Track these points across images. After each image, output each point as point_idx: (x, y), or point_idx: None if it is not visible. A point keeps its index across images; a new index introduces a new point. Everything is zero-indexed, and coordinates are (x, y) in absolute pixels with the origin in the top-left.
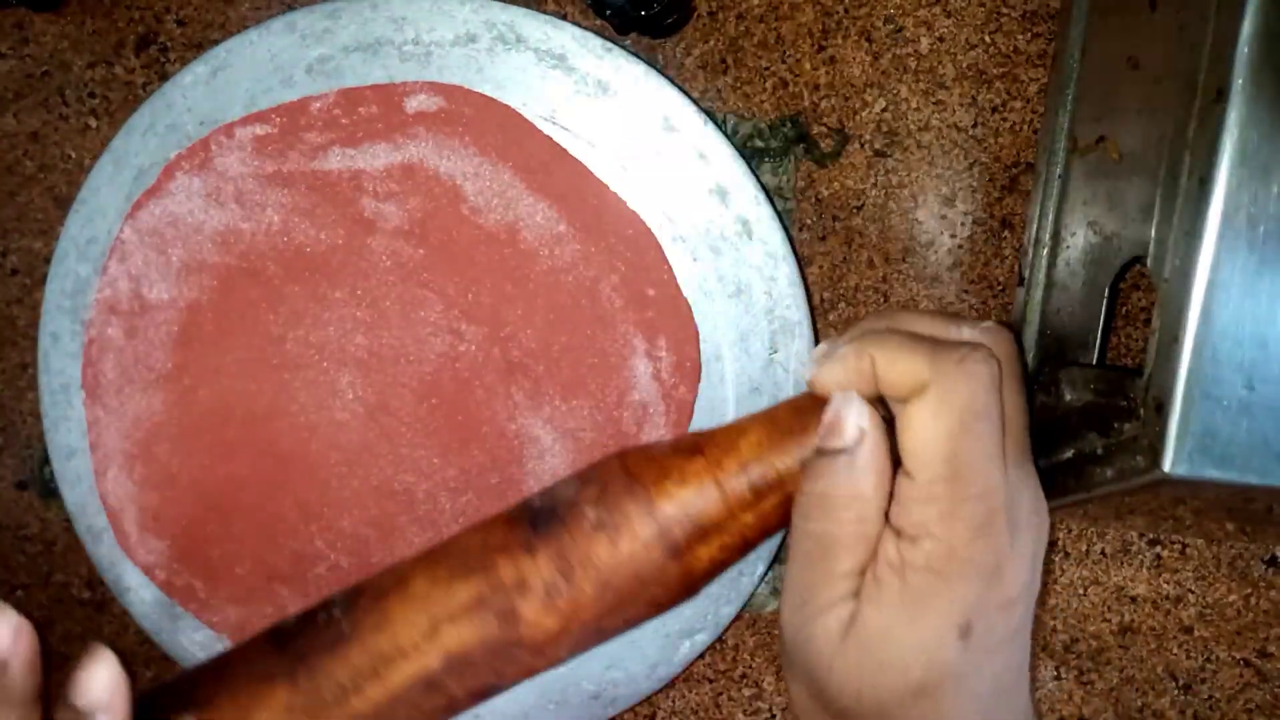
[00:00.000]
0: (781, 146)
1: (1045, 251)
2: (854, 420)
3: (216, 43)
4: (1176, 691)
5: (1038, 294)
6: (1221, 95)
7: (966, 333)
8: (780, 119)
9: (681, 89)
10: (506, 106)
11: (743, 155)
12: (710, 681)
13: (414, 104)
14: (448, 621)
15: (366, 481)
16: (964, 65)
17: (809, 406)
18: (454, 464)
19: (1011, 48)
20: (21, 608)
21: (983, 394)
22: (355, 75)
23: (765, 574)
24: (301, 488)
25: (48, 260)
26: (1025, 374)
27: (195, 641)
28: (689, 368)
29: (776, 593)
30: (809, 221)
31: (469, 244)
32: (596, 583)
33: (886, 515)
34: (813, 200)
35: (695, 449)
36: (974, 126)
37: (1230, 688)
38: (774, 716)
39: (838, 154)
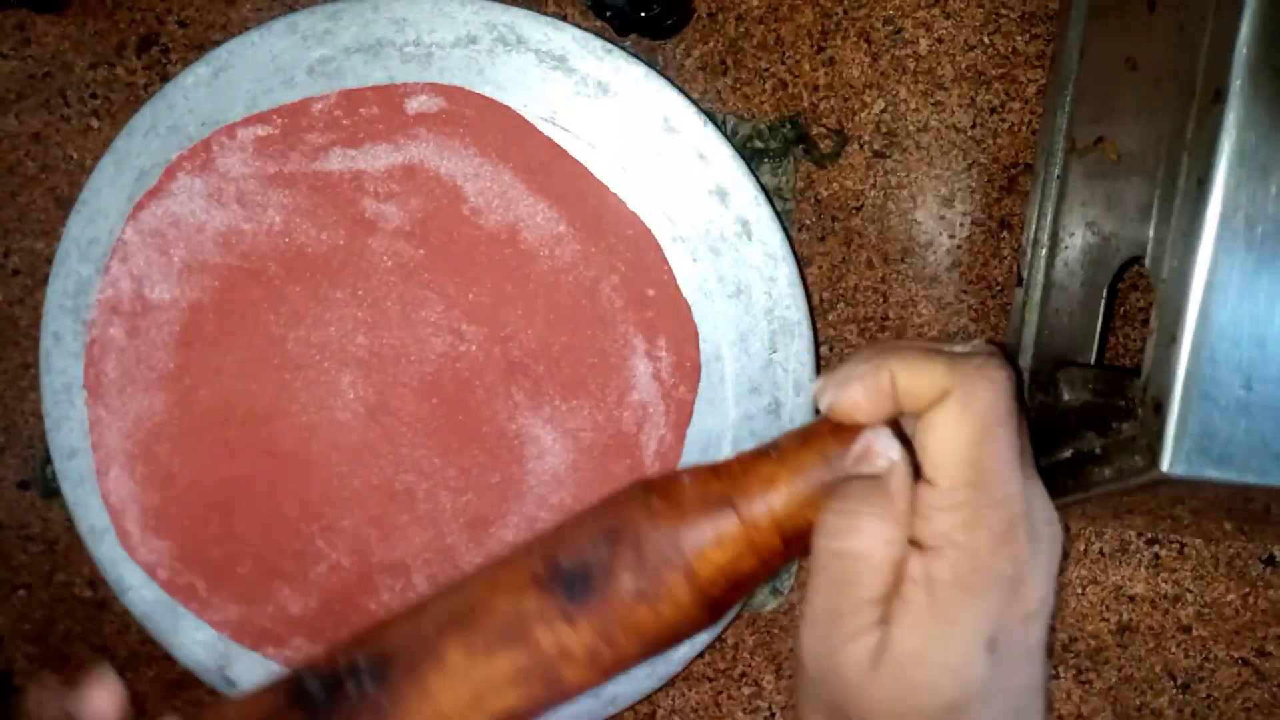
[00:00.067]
0: (781, 147)
1: (1044, 252)
2: (884, 450)
3: (218, 44)
4: (1175, 690)
5: (1036, 294)
6: (1220, 96)
7: (960, 350)
8: (780, 120)
9: (681, 90)
10: (507, 108)
11: (742, 156)
12: (710, 680)
13: (415, 105)
14: (492, 691)
15: (367, 481)
16: (963, 66)
17: (824, 436)
18: (454, 463)
19: (1010, 49)
20: (23, 607)
21: (1003, 400)
22: (356, 76)
23: None
24: (302, 487)
25: (49, 261)
26: (1021, 390)
27: (196, 640)
28: (689, 368)
29: (776, 592)
30: (808, 222)
31: (469, 244)
32: (639, 643)
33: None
34: (812, 201)
35: (725, 501)
36: (973, 127)
37: (1228, 687)
38: (773, 715)
39: (837, 155)
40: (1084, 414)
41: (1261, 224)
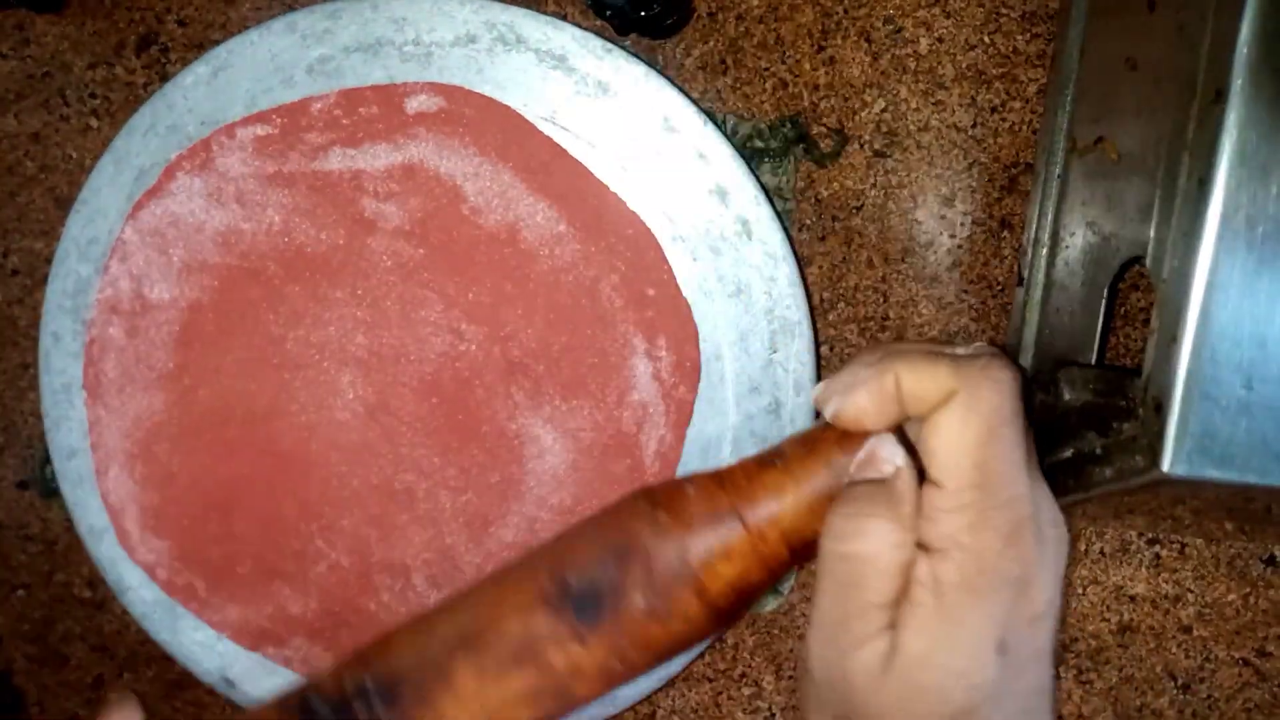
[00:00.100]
0: (781, 147)
1: (1044, 251)
2: (889, 456)
3: (217, 43)
4: (1175, 691)
5: (1037, 294)
6: (1220, 96)
7: (962, 353)
8: (780, 119)
9: (681, 89)
10: (507, 107)
11: (742, 155)
12: (710, 681)
13: (414, 104)
14: (504, 711)
15: (367, 481)
16: (963, 66)
17: (829, 444)
18: (454, 463)
19: (1011, 48)
20: (22, 607)
21: (1009, 400)
22: (356, 76)
23: None
24: (302, 487)
25: (49, 260)
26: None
27: (196, 641)
28: (689, 367)
29: (776, 593)
30: (809, 222)
31: (469, 244)
32: (650, 656)
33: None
34: (812, 200)
35: (732, 513)
36: (973, 127)
37: (1229, 687)
38: (773, 715)
39: (837, 154)
40: (1085, 414)
41: (1262, 224)
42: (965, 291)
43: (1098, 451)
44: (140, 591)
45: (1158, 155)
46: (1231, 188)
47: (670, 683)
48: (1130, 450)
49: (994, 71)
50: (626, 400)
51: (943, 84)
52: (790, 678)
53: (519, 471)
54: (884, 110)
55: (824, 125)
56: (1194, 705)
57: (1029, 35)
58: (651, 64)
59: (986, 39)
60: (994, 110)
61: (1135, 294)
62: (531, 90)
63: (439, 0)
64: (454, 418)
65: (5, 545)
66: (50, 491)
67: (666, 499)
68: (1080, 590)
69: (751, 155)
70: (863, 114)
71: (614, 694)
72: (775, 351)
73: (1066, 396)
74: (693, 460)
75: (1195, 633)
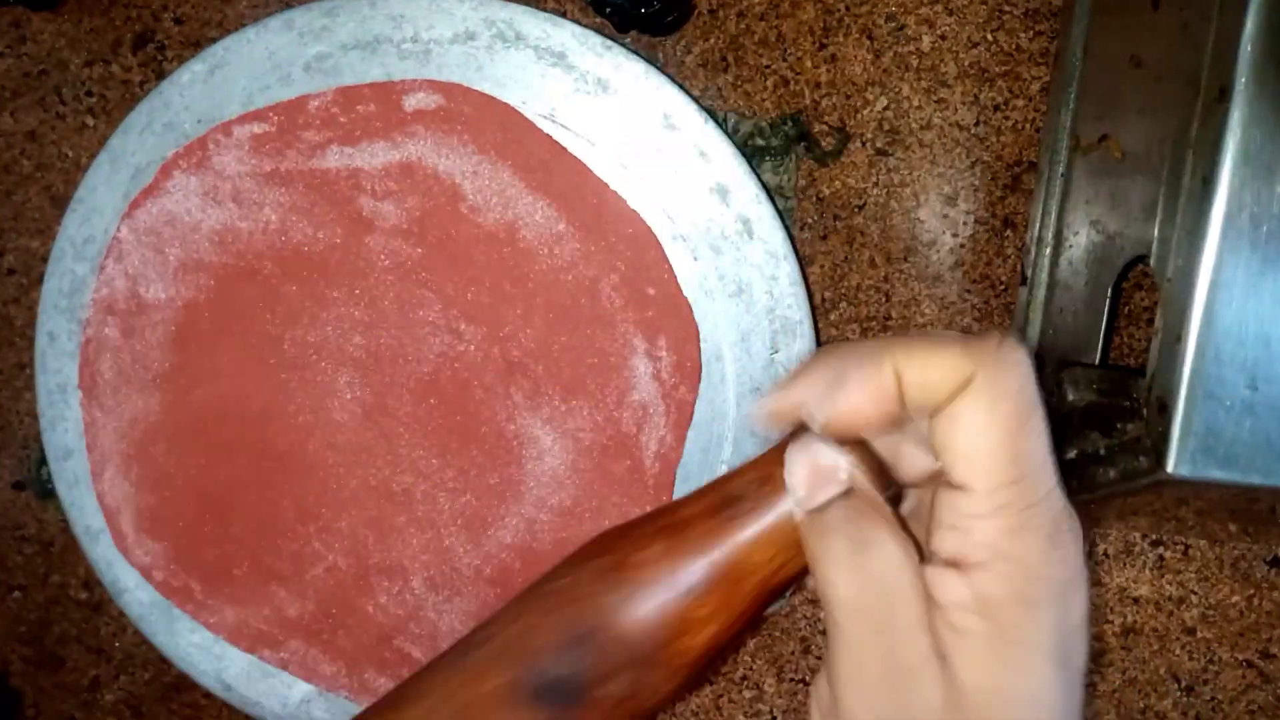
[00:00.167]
0: (782, 145)
1: (1048, 251)
2: (833, 460)
3: (214, 41)
4: (1179, 693)
5: (1040, 293)
6: (1224, 94)
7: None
8: (781, 117)
9: (682, 87)
10: (506, 105)
11: (743, 154)
12: (710, 683)
13: (412, 102)
14: None
15: (365, 482)
16: (966, 63)
17: (779, 470)
18: (453, 464)
19: (1014, 46)
20: (18, 608)
21: (1030, 384)
22: (353, 73)
23: None
24: (299, 488)
25: (45, 259)
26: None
27: (192, 643)
28: (689, 368)
29: None
30: (810, 220)
31: (468, 243)
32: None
33: (920, 555)
34: (814, 199)
35: (702, 569)
36: (976, 125)
37: (1233, 689)
38: (774, 718)
39: (839, 152)
40: (1088, 414)
41: (1266, 223)
42: (968, 291)
43: (1101, 452)
44: (136, 593)
45: (1162, 153)
46: (1236, 186)
47: None
48: (1134, 451)
49: (997, 69)
50: (626, 401)
51: (945, 82)
52: (791, 679)
53: (518, 473)
54: (886, 108)
55: (826, 123)
56: (1198, 707)
57: (1032, 33)
58: (652, 61)
59: (989, 36)
60: (997, 108)
61: (1139, 293)
62: (531, 88)
63: None
64: (452, 418)
65: (1, 547)
66: (46, 492)
67: (628, 562)
68: None
69: (752, 153)
70: (865, 112)
71: None
72: (777, 351)
73: (1070, 397)
74: (693, 461)
75: (1199, 635)
